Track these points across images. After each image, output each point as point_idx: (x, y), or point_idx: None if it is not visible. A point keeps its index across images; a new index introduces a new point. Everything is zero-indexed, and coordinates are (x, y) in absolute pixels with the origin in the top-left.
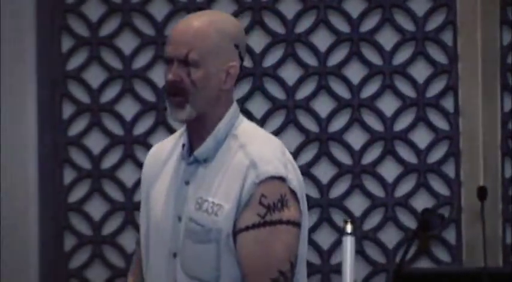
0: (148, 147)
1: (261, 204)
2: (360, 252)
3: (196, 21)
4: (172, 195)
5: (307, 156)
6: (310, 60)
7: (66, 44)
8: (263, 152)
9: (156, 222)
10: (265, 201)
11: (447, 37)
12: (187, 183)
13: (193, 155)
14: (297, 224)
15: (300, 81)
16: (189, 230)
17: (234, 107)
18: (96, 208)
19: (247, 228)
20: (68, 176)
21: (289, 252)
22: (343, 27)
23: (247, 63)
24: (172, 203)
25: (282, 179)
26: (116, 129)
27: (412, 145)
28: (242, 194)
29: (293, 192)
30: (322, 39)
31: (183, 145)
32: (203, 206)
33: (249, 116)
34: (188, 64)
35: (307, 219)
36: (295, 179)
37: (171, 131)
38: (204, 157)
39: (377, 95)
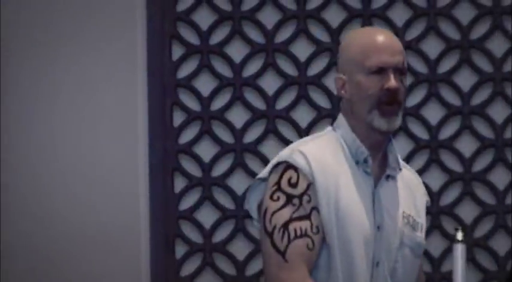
0: (257, 154)
1: None
2: (471, 260)
3: (391, 33)
4: (368, 205)
5: None
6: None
7: (177, 52)
8: None
9: (359, 233)
10: None
11: None
12: (378, 194)
13: (399, 168)
14: None
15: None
16: (410, 244)
17: None
18: (206, 216)
19: None
20: (179, 184)
21: None
22: (453, 34)
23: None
24: (370, 213)
25: None
26: (227, 137)
27: None
28: (424, 210)
29: None
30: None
31: (366, 157)
32: (410, 221)
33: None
34: (402, 72)
35: None
36: None
37: (281, 139)
38: None
39: (487, 102)
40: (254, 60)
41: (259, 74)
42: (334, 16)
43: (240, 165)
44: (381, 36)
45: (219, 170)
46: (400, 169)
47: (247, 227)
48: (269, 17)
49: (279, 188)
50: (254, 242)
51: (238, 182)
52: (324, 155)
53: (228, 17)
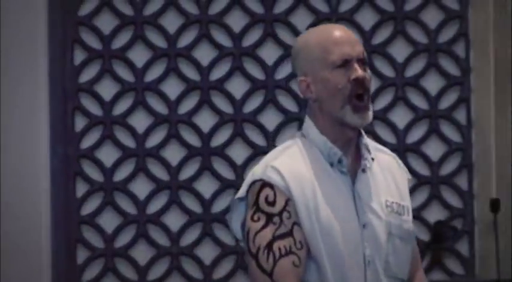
0: (159, 159)
1: None
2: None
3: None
4: (350, 205)
5: None
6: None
7: (79, 57)
8: None
9: (346, 238)
10: None
11: (460, 49)
12: (357, 191)
13: (372, 162)
14: None
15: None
16: (398, 233)
17: None
18: (108, 221)
19: None
20: (80, 188)
21: None
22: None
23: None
24: (353, 213)
25: None
26: (129, 142)
27: (425, 157)
28: (407, 190)
29: None
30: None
31: (340, 157)
32: (394, 208)
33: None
34: (364, 62)
35: None
36: None
37: (184, 143)
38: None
39: (389, 107)
40: (156, 65)
41: (161, 78)
42: (236, 21)
43: (142, 170)
44: (337, 30)
45: (121, 174)
46: (373, 159)
47: (149, 232)
48: (172, 21)
49: (258, 208)
50: (156, 246)
51: (140, 187)
52: (297, 166)
53: (130, 21)
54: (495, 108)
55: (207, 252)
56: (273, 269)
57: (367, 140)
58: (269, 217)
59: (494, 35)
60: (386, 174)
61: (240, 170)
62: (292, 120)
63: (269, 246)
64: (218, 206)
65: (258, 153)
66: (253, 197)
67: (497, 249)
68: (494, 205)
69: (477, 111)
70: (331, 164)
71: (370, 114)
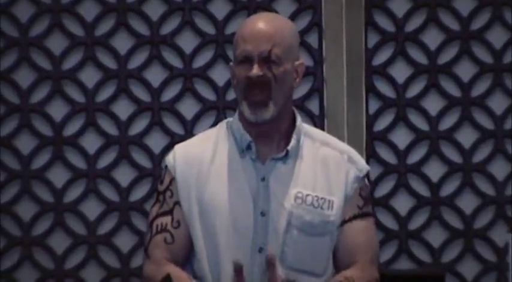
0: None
1: (360, 196)
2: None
3: (271, 21)
4: (247, 193)
5: None
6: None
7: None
8: (351, 149)
9: (228, 223)
10: (363, 193)
11: (312, 39)
12: (263, 179)
13: (286, 151)
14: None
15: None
16: (297, 224)
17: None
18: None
19: (350, 219)
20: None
21: (378, 242)
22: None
23: (113, 65)
24: (250, 200)
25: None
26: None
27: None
28: (347, 187)
29: None
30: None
31: (249, 144)
32: (307, 200)
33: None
34: (270, 61)
35: None
36: None
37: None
38: (291, 153)
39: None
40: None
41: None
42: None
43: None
44: (252, 25)
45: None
46: (288, 151)
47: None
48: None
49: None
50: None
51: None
52: (199, 149)
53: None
54: (347, 98)
55: None
56: (148, 245)
57: (311, 131)
58: (157, 195)
59: (347, 24)
60: (317, 168)
61: None
62: None
63: (151, 223)
64: None
65: None
66: None
67: None
68: None
69: (330, 102)
70: (242, 150)
71: (269, 111)
